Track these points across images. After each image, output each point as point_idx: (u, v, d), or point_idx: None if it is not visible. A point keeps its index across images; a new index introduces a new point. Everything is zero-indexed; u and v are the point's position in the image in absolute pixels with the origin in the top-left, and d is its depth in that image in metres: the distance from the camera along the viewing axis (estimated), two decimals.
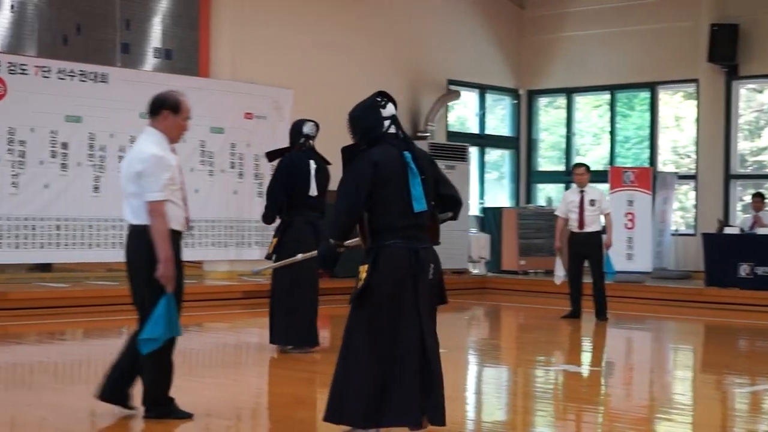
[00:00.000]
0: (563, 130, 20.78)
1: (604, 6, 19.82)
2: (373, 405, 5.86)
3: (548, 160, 21.27)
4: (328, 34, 17.22)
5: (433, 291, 6.04)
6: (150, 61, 15.36)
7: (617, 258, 16.16)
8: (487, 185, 20.55)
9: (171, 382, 6.71)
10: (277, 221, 10.01)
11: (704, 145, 18.67)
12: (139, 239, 6.55)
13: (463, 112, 20.57)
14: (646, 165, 18.95)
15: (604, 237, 13.48)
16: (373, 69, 17.64)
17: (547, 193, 20.86)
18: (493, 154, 21.04)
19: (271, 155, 10.32)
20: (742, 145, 18.85)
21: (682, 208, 19.71)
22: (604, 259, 13.46)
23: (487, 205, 20.08)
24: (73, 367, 9.50)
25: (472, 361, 10.60)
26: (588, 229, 13.28)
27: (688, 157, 19.51)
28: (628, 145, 20.23)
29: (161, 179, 6.49)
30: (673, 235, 18.49)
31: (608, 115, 20.19)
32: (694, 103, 19.04)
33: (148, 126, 6.71)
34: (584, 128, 20.92)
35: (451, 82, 19.40)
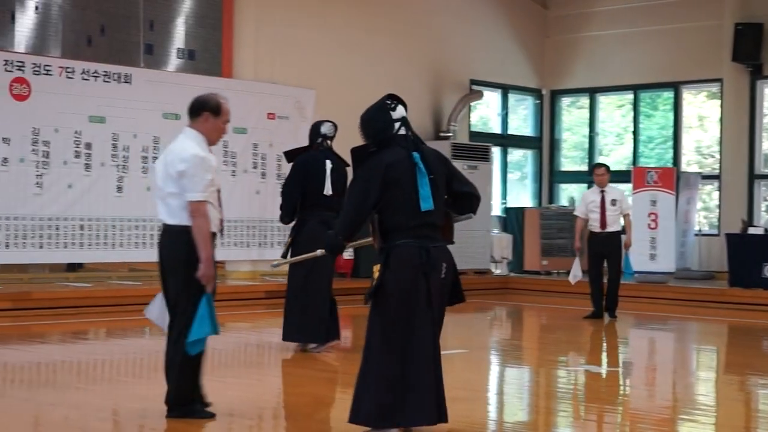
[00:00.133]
0: (586, 130, 20.70)
1: (628, 6, 19.74)
2: (389, 404, 5.89)
3: (571, 160, 21.20)
4: (351, 34, 17.23)
5: (446, 290, 6.07)
6: (173, 61, 15.40)
7: (640, 258, 16.14)
8: (509, 185, 20.52)
9: (199, 384, 6.73)
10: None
11: (728, 145, 18.57)
12: (174, 239, 6.56)
13: (486, 112, 20.53)
14: (670, 165, 18.85)
15: (623, 237, 13.54)
16: (396, 69, 17.64)
17: (569, 193, 20.79)
18: (516, 154, 21.00)
19: (289, 155, 10.31)
20: (767, 145, 18.73)
21: (706, 208, 19.61)
22: (623, 259, 13.53)
23: (510, 205, 20.05)
24: (96, 366, 9.53)
25: (494, 361, 10.55)
26: (609, 229, 13.38)
27: (712, 157, 19.41)
28: (652, 145, 20.14)
29: (204, 179, 6.51)
30: (696, 235, 18.40)
31: (631, 114, 20.11)
32: (718, 102, 18.94)
33: (188, 127, 6.73)
34: (607, 128, 20.84)
35: (474, 82, 19.37)
